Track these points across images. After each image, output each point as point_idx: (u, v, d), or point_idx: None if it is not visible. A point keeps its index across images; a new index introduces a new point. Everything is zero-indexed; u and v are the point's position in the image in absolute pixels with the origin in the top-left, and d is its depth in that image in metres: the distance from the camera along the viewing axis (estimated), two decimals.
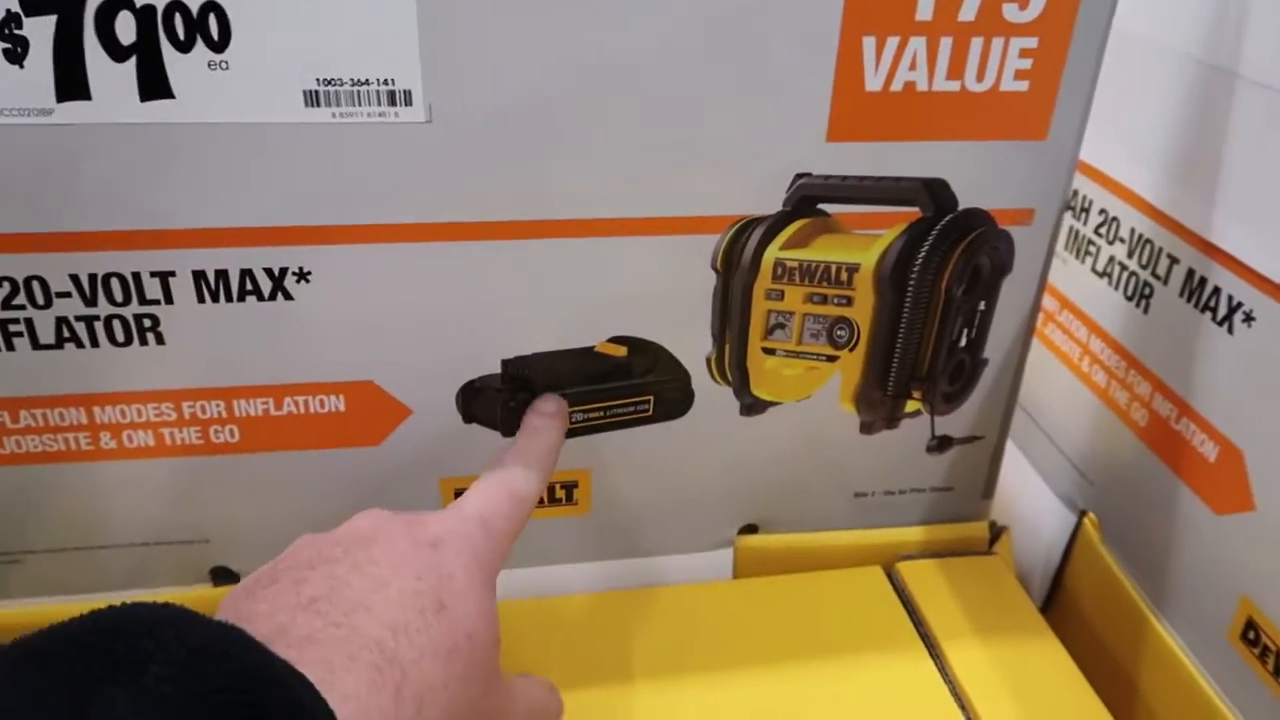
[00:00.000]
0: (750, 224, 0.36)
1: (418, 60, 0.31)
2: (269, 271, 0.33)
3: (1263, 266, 0.35)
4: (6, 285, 0.32)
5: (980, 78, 0.34)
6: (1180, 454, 0.39)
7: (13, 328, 0.33)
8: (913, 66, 0.33)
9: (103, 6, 0.28)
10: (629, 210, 0.34)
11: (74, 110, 0.29)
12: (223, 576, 0.39)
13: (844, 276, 0.37)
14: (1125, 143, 0.42)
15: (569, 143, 0.33)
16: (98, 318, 0.33)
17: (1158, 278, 0.40)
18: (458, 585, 0.27)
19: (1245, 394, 0.36)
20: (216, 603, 0.25)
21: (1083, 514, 0.45)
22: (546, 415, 0.35)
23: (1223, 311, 0.37)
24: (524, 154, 0.33)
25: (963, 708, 0.37)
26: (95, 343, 0.34)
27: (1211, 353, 0.37)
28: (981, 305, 0.39)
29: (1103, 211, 0.44)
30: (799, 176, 0.35)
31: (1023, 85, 0.34)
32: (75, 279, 0.32)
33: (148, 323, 0.34)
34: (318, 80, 0.30)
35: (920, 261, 0.36)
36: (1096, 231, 0.44)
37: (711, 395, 0.39)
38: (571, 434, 0.38)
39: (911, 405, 0.40)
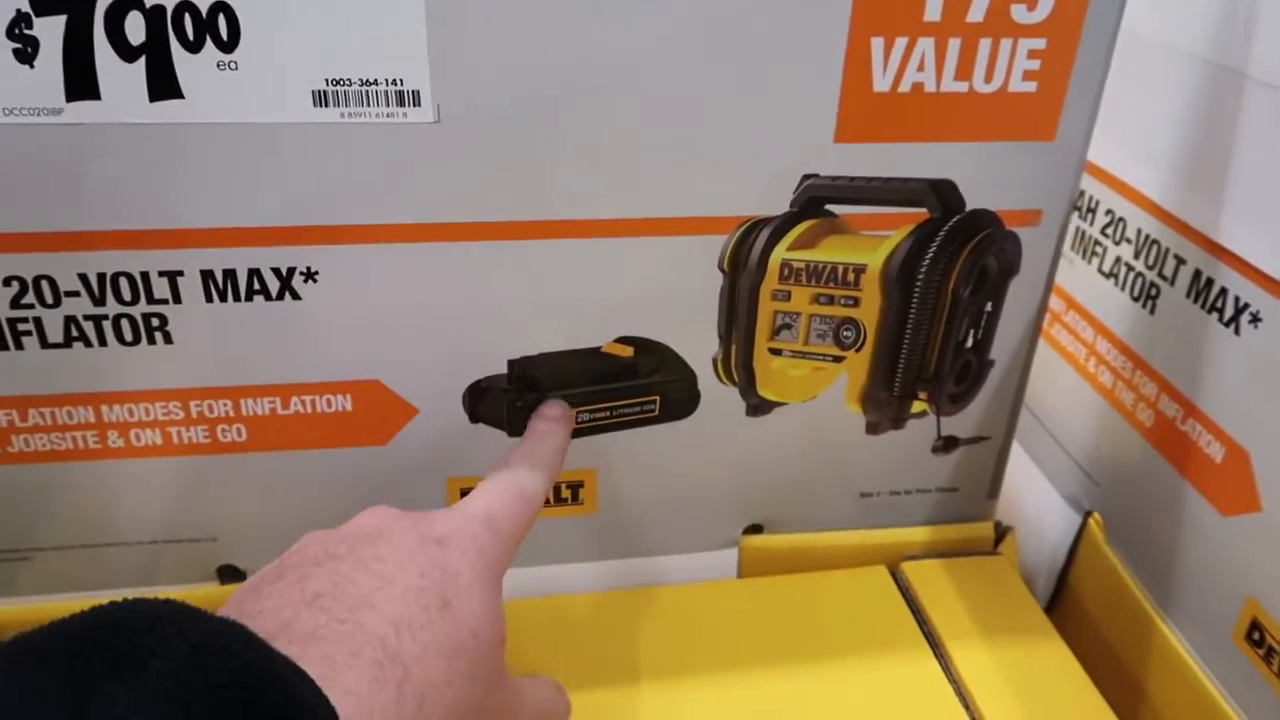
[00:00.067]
0: (757, 225, 0.36)
1: (426, 60, 0.31)
2: (276, 271, 0.33)
3: (1270, 267, 0.35)
4: (15, 284, 0.32)
5: (988, 79, 0.34)
6: (1186, 455, 0.39)
7: (21, 327, 0.33)
8: (921, 67, 0.33)
9: (112, 7, 0.28)
10: (636, 210, 0.35)
11: (83, 110, 0.30)
12: (230, 574, 0.39)
13: (851, 277, 0.37)
14: (1132, 143, 0.42)
15: (577, 143, 0.33)
16: (106, 317, 0.33)
17: (1164, 278, 0.40)
18: (463, 583, 0.27)
19: (1251, 395, 0.36)
20: (223, 601, 0.25)
21: (1088, 514, 0.45)
22: (552, 420, 0.35)
23: (1229, 312, 0.37)
24: (532, 154, 0.33)
25: (967, 708, 0.37)
26: (103, 342, 0.34)
27: (1218, 354, 0.37)
28: (988, 306, 0.39)
29: (1109, 212, 0.44)
30: (806, 177, 0.35)
31: (1031, 86, 0.34)
32: (84, 278, 0.32)
33: (156, 322, 0.34)
34: (326, 80, 0.30)
35: (927, 262, 0.36)
36: (1103, 232, 0.44)
37: (717, 396, 0.39)
38: (578, 434, 0.38)
39: (917, 406, 0.40)
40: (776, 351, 0.38)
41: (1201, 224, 0.38)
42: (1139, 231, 0.42)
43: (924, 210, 0.36)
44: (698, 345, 0.38)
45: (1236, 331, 0.36)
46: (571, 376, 0.37)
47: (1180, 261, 0.39)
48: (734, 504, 0.42)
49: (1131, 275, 0.42)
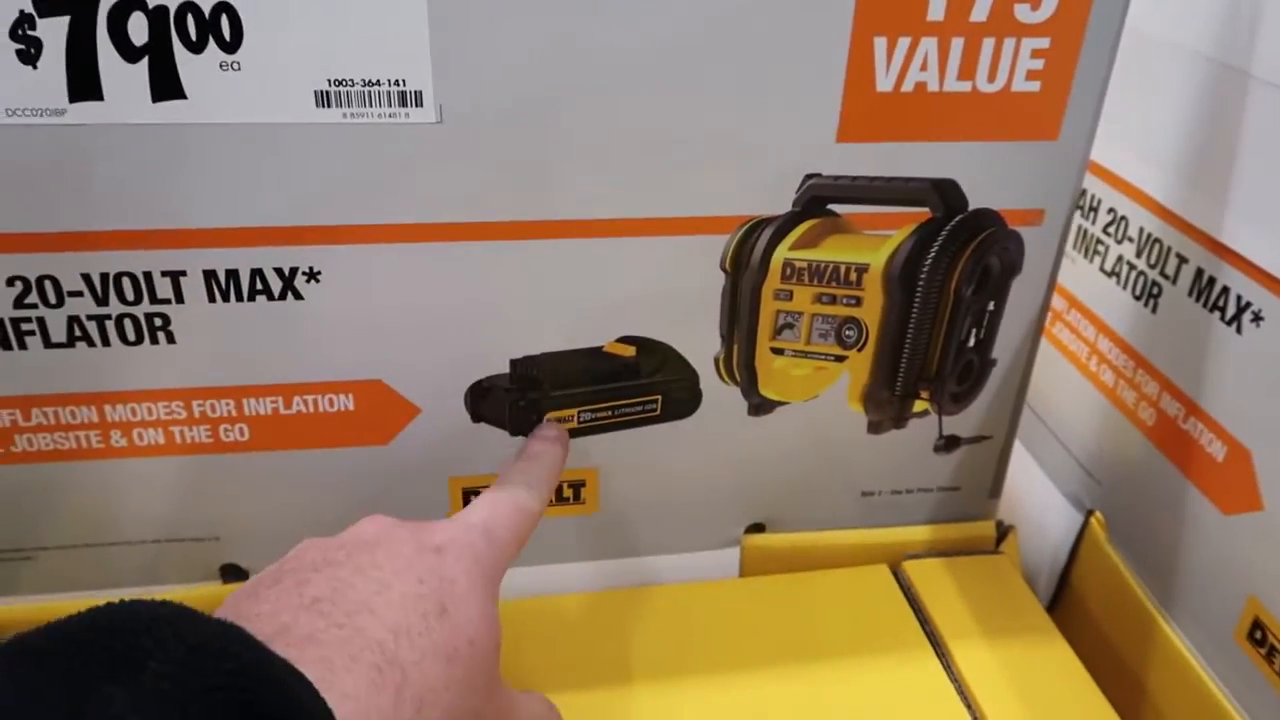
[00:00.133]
0: (760, 224, 0.36)
1: (429, 61, 0.31)
2: (279, 271, 0.33)
3: (1272, 266, 0.35)
4: (19, 284, 0.32)
5: (992, 78, 0.34)
6: (1188, 454, 0.39)
7: (25, 327, 0.33)
8: (924, 67, 0.33)
9: (115, 7, 0.28)
10: (638, 210, 0.35)
11: (86, 111, 0.30)
12: (232, 574, 0.39)
13: (853, 277, 0.37)
14: (1134, 142, 0.42)
15: (579, 143, 0.33)
16: (109, 317, 0.33)
17: (1166, 277, 0.40)
18: (460, 590, 0.27)
19: (1253, 394, 0.36)
20: (224, 600, 0.25)
21: (1090, 513, 0.45)
22: (548, 440, 0.36)
23: (1231, 311, 0.37)
24: (534, 154, 0.33)
25: (969, 707, 0.37)
26: (106, 342, 0.34)
27: (1220, 352, 0.37)
28: (990, 305, 0.39)
29: (1111, 210, 0.44)
30: (809, 177, 0.35)
31: (1034, 86, 0.34)
32: (87, 278, 0.33)
33: (159, 322, 0.34)
34: (329, 81, 0.30)
35: (930, 262, 0.36)
36: (1105, 231, 0.44)
37: (719, 395, 0.39)
38: (580, 434, 0.38)
39: (919, 405, 0.40)
40: (778, 351, 0.38)
41: (1204, 223, 0.38)
42: (1141, 230, 0.42)
43: (926, 210, 0.36)
44: (700, 345, 0.38)
45: (1238, 330, 0.36)
46: (573, 376, 0.37)
47: (1182, 260, 0.39)
48: (736, 503, 0.42)
49: (1134, 274, 0.42)
